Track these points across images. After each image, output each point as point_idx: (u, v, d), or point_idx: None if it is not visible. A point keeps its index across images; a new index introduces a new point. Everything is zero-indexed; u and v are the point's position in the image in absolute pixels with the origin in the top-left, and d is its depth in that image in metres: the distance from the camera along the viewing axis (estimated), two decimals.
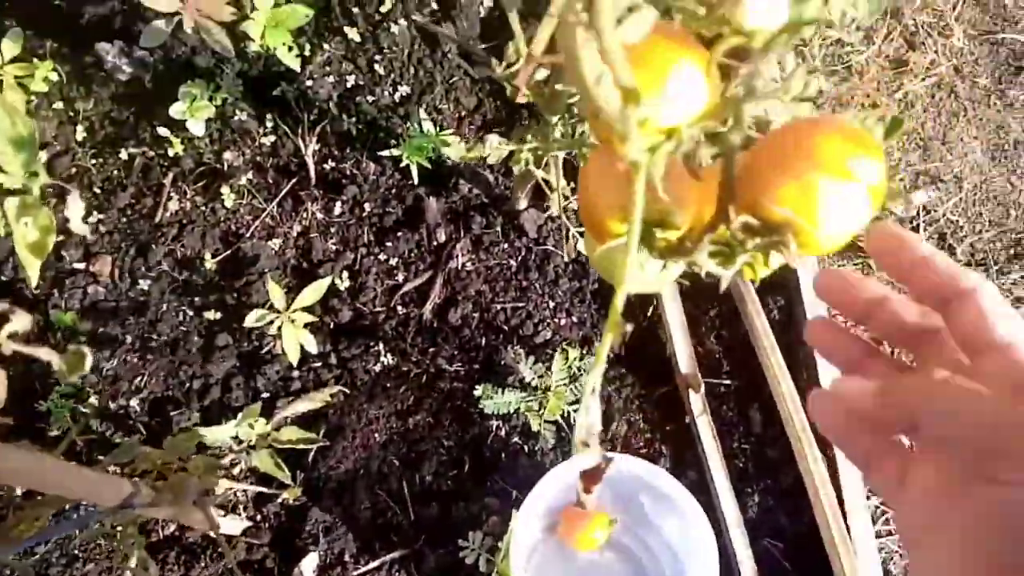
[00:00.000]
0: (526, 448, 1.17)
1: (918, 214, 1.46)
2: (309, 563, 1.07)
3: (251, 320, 1.08)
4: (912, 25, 1.58)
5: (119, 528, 0.81)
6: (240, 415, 0.94)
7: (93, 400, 1.14)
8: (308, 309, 1.12)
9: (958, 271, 0.30)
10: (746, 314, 1.19)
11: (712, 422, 1.15)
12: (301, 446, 0.99)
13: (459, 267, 1.26)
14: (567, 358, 1.15)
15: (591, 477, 0.29)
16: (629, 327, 1.25)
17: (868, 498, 1.20)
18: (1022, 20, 1.62)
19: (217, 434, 0.89)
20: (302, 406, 0.99)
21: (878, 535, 1.21)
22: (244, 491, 1.09)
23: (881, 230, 0.31)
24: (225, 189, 1.24)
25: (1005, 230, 1.47)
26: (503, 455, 1.16)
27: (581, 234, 1.18)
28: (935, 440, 0.29)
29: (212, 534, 0.88)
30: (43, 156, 1.27)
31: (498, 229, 1.28)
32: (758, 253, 0.34)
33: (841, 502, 1.10)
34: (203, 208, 1.25)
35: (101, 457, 0.94)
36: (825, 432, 0.33)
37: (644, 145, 0.26)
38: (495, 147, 0.80)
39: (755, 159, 0.33)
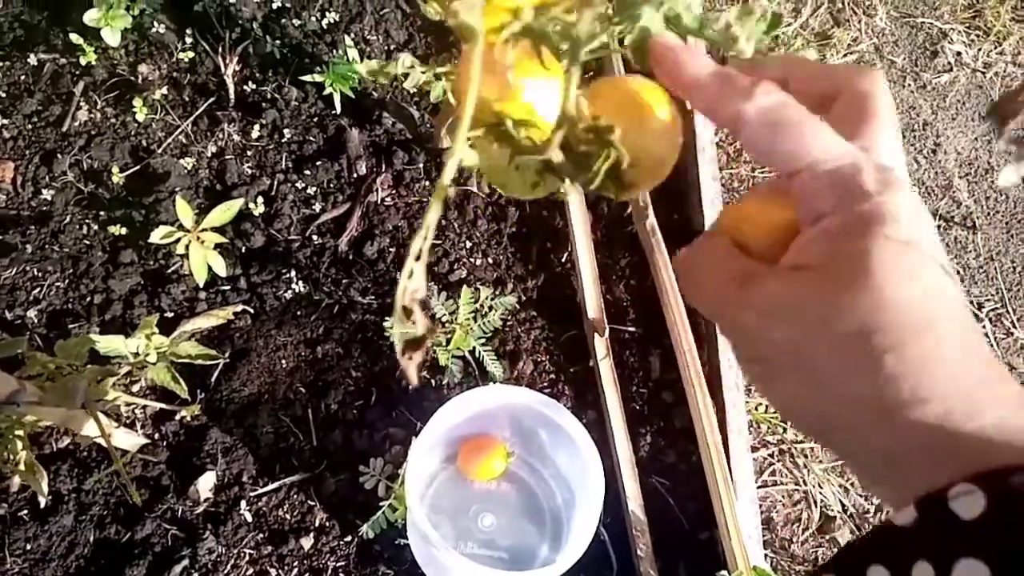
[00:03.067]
0: (433, 381, 1.19)
1: None
2: (206, 482, 1.07)
3: (157, 236, 1.06)
4: (839, 1, 1.63)
5: (4, 427, 0.80)
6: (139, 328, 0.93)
7: None
8: (219, 231, 1.10)
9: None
10: (654, 264, 1.23)
11: (613, 366, 1.19)
12: (203, 362, 0.99)
13: (378, 201, 1.26)
14: (478, 297, 1.17)
15: (413, 345, 0.27)
16: (543, 273, 1.28)
17: (754, 449, 1.26)
18: (941, 6, 1.69)
19: (112, 343, 0.87)
20: (203, 322, 0.98)
21: (763, 484, 1.28)
22: (143, 408, 1.08)
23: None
24: (138, 102, 1.20)
25: None
26: (409, 387, 1.18)
27: None
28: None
29: (103, 443, 0.87)
30: None
31: (420, 166, 1.28)
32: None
33: (727, 448, 1.16)
34: (114, 120, 1.21)
35: None
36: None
37: (478, 5, 0.26)
38: (407, 67, 0.80)
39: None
